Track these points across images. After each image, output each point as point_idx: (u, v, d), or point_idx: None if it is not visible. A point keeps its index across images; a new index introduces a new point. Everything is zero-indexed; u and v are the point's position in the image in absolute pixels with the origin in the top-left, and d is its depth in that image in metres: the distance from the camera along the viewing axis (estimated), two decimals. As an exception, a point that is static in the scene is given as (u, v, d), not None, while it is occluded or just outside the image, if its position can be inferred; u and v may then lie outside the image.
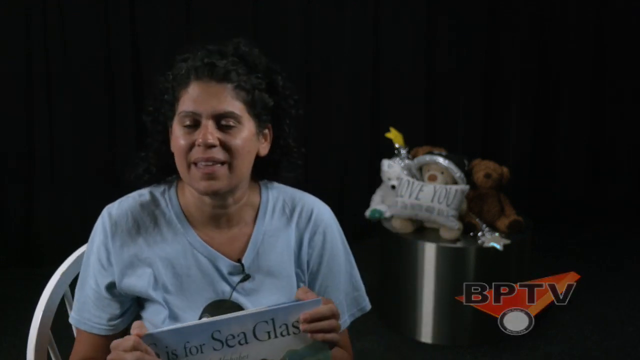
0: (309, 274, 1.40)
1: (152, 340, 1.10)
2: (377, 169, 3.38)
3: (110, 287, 1.33)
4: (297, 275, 1.39)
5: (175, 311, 1.31)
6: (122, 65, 3.77)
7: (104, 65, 3.76)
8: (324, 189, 4.19)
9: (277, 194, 1.43)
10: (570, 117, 4.53)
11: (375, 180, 3.55)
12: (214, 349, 1.10)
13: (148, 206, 1.36)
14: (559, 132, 4.56)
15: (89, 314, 1.35)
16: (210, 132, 1.25)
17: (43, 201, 3.80)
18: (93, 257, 1.35)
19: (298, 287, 1.38)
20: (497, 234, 3.00)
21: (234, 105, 1.28)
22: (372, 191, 3.46)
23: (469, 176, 3.09)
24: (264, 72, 1.33)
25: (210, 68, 1.27)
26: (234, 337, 1.10)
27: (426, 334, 3.05)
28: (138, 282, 1.32)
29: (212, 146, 1.25)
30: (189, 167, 1.28)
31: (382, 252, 3.26)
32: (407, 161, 3.20)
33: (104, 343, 1.34)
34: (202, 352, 1.10)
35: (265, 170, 1.40)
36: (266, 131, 1.36)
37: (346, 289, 1.44)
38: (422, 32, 4.24)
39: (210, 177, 1.27)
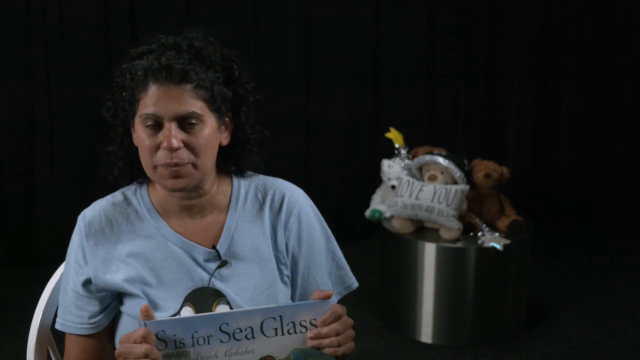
0: (289, 257, 1.41)
1: (160, 327, 1.12)
2: (377, 169, 3.38)
3: (87, 284, 1.36)
4: (276, 258, 1.40)
5: (155, 301, 1.33)
6: (121, 65, 3.77)
7: (104, 65, 3.76)
8: (324, 189, 4.20)
9: (249, 181, 1.45)
10: (570, 116, 4.53)
11: (375, 180, 3.55)
12: (221, 341, 1.12)
13: (120, 205, 1.40)
14: (559, 132, 4.56)
15: (71, 316, 1.38)
16: (174, 136, 1.27)
17: (43, 201, 3.80)
18: (71, 260, 1.38)
19: (279, 270, 1.40)
20: (497, 234, 3.00)
21: (195, 104, 1.29)
22: (372, 191, 3.46)
23: (469, 176, 3.09)
24: (221, 65, 1.35)
25: (168, 70, 1.27)
26: (241, 331, 1.11)
27: (426, 334, 3.05)
28: (113, 277, 1.34)
29: (177, 148, 1.27)
30: (154, 167, 1.30)
31: (382, 252, 3.26)
32: (407, 161, 3.20)
33: (90, 344, 1.39)
34: (209, 343, 1.12)
35: (230, 159, 1.42)
36: (227, 120, 1.37)
37: (330, 269, 1.46)
38: (422, 32, 4.24)
39: (176, 175, 1.30)
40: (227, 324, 1.11)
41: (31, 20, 3.62)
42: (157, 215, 1.38)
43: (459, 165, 3.05)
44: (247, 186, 1.44)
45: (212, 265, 1.36)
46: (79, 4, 3.69)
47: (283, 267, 1.41)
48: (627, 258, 4.03)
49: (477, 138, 4.45)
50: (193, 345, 1.12)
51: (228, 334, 1.12)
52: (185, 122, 1.29)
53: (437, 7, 4.24)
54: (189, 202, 1.37)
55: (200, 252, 1.36)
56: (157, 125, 1.28)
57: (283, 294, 1.39)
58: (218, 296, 1.35)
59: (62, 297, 1.40)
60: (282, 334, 1.11)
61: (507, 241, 2.96)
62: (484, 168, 3.09)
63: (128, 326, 1.35)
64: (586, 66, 4.47)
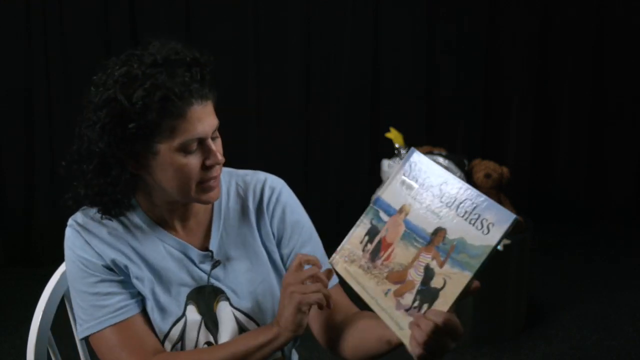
0: (276, 239, 1.42)
1: (420, 159, 1.24)
2: (377, 169, 3.38)
3: (114, 264, 1.32)
4: (267, 250, 1.41)
5: (160, 302, 1.34)
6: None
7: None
8: (323, 189, 4.20)
9: (229, 178, 1.45)
10: (570, 116, 4.53)
11: (375, 180, 3.55)
12: (433, 195, 1.18)
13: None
14: (559, 132, 4.56)
15: (109, 307, 1.31)
16: (219, 152, 1.29)
17: (43, 201, 3.80)
18: (78, 263, 1.33)
19: (271, 261, 1.41)
20: (497, 234, 2.99)
21: (215, 115, 1.30)
22: (372, 191, 3.46)
23: (469, 176, 3.09)
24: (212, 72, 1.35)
25: (198, 87, 1.25)
26: (448, 196, 1.16)
27: (426, 334, 3.04)
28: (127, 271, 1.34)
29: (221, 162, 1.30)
30: (196, 186, 1.29)
31: (382, 252, 3.25)
32: (407, 161, 3.20)
33: (142, 320, 1.33)
34: (426, 191, 1.19)
35: None
36: None
37: (320, 244, 1.47)
38: (422, 32, 4.24)
39: (213, 188, 1.31)
40: (446, 183, 1.17)
41: (31, 20, 3.62)
42: (150, 221, 1.37)
43: (459, 165, 3.05)
44: (227, 184, 1.44)
45: (207, 266, 1.38)
46: (79, 4, 3.69)
47: (276, 257, 1.42)
48: (627, 258, 4.03)
49: (477, 138, 4.45)
50: (419, 185, 1.21)
51: (441, 192, 1.17)
52: (214, 135, 1.30)
53: (437, 7, 4.24)
54: (184, 208, 1.37)
55: (195, 253, 1.38)
56: (198, 145, 1.27)
57: (278, 284, 1.41)
58: (217, 294, 1.37)
59: (84, 302, 1.32)
60: (466, 219, 1.13)
61: (507, 241, 2.96)
62: (484, 168, 3.09)
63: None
64: (586, 66, 4.47)
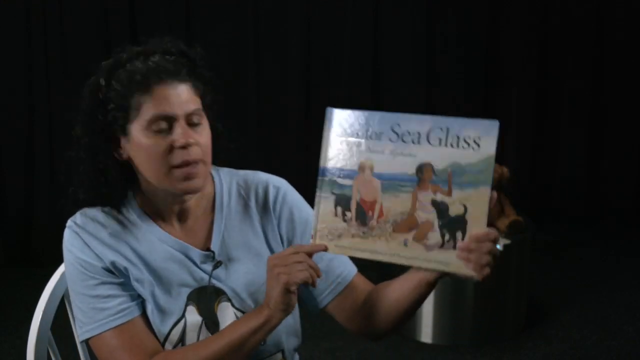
0: (285, 242, 1.42)
1: (344, 115, 1.19)
2: (377, 169, 3.38)
3: (114, 266, 1.32)
4: (272, 251, 1.40)
5: (160, 303, 1.33)
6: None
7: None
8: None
9: (230, 178, 1.45)
10: (570, 116, 4.53)
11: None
12: (390, 140, 1.17)
13: (110, 212, 1.36)
14: (559, 132, 4.56)
15: (109, 310, 1.30)
16: (188, 133, 1.27)
17: (43, 201, 3.80)
18: (77, 264, 1.32)
19: None
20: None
21: (196, 101, 1.30)
22: (372, 191, 3.46)
23: (469, 176, 3.09)
24: (203, 67, 1.36)
25: (172, 69, 1.28)
26: (409, 134, 1.16)
27: (426, 334, 3.05)
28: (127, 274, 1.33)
29: (192, 145, 1.27)
30: (168, 171, 1.28)
31: (382, 252, 3.25)
32: (407, 161, 3.20)
33: (139, 325, 1.32)
34: (379, 140, 1.17)
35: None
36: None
37: None
38: (422, 32, 4.24)
39: (192, 176, 1.29)
40: (398, 124, 1.16)
41: (31, 20, 3.62)
42: (149, 219, 1.36)
43: (459, 165, 3.05)
44: (229, 184, 1.43)
45: (208, 267, 1.37)
46: (79, 4, 3.69)
47: None
48: (627, 258, 4.03)
49: (477, 138, 4.45)
50: (366, 138, 1.17)
51: (397, 134, 1.16)
52: (192, 121, 1.29)
53: (436, 7, 4.24)
54: (182, 205, 1.36)
55: (196, 254, 1.37)
56: (168, 127, 1.27)
57: None
58: (219, 294, 1.36)
59: (83, 305, 1.32)
60: (445, 145, 1.13)
61: (507, 241, 2.96)
62: (484, 168, 3.09)
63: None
64: (586, 66, 4.47)
